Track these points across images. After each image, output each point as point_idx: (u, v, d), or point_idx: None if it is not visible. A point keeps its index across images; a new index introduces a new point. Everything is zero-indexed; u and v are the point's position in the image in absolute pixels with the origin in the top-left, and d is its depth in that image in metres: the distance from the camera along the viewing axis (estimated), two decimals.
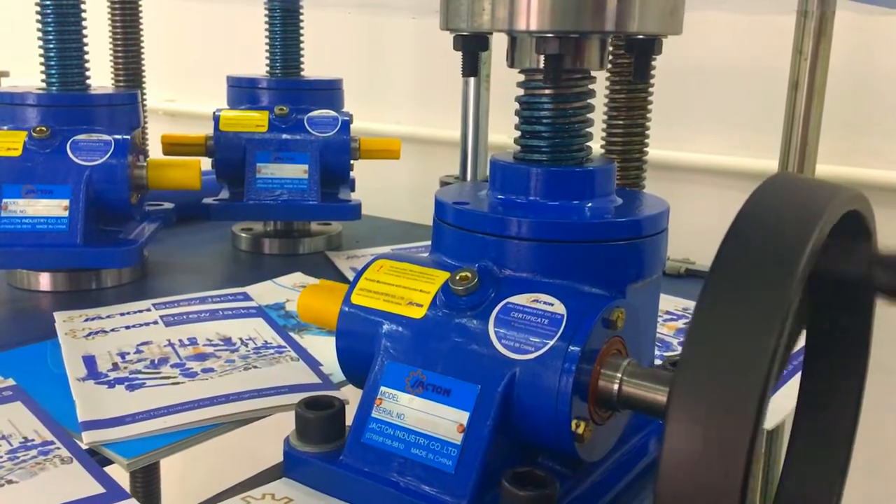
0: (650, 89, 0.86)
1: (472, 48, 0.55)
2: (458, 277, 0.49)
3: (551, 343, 0.45)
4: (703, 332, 0.36)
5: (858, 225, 0.41)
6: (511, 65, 0.54)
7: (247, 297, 0.83)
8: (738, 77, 1.14)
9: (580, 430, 0.45)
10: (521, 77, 0.55)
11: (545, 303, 0.47)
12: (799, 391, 0.50)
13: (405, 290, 0.51)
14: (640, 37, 0.52)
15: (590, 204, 0.52)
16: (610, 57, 0.81)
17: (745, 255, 0.36)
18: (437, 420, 0.47)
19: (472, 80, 1.19)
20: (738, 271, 0.36)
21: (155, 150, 1.00)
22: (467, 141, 1.22)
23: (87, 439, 0.55)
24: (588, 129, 0.55)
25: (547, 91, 0.53)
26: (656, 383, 0.45)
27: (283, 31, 1.07)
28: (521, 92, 0.55)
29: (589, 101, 0.54)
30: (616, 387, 0.46)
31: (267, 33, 1.09)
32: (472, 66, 0.56)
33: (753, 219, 0.37)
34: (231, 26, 1.60)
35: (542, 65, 0.52)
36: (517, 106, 0.55)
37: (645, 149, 0.88)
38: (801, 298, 0.37)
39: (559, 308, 0.47)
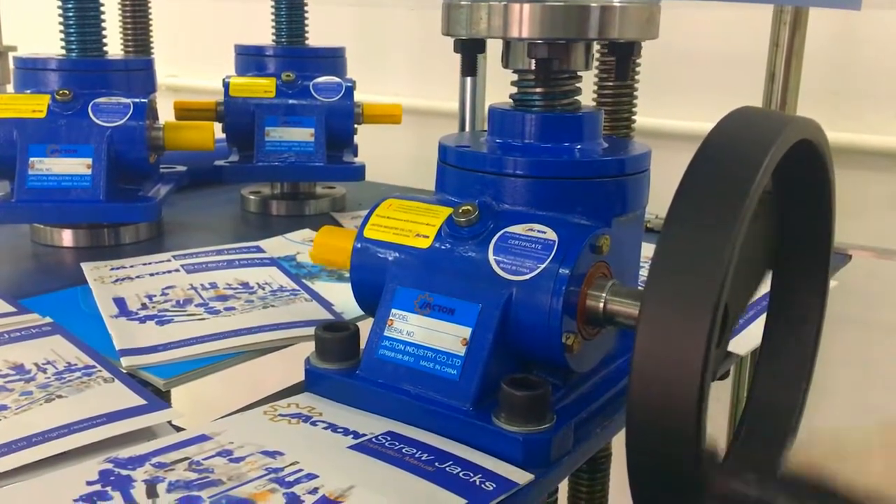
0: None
1: (471, 51, 0.60)
2: (460, 211, 0.55)
3: (544, 265, 0.51)
4: (669, 248, 0.41)
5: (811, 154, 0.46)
6: (506, 66, 0.59)
7: (260, 250, 0.89)
8: (723, 56, 1.19)
9: (569, 342, 0.51)
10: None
11: (539, 231, 0.53)
12: (768, 306, 0.56)
13: (412, 223, 0.57)
14: (621, 41, 0.58)
15: (579, 146, 0.58)
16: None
17: (705, 181, 0.42)
18: (443, 336, 0.53)
19: None
20: (697, 196, 0.42)
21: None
22: (465, 111, 1.27)
23: (125, 363, 0.60)
24: None
25: (538, 90, 0.58)
26: (636, 300, 0.51)
27: (289, 2, 1.12)
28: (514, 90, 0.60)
29: (576, 97, 0.60)
30: (601, 305, 0.51)
31: (272, 4, 1.13)
32: (471, 67, 0.61)
33: (714, 145, 0.42)
34: (231, 4, 1.64)
35: (533, 67, 0.57)
36: (511, 101, 0.60)
37: (633, 108, 0.93)
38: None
39: (551, 235, 0.52)
